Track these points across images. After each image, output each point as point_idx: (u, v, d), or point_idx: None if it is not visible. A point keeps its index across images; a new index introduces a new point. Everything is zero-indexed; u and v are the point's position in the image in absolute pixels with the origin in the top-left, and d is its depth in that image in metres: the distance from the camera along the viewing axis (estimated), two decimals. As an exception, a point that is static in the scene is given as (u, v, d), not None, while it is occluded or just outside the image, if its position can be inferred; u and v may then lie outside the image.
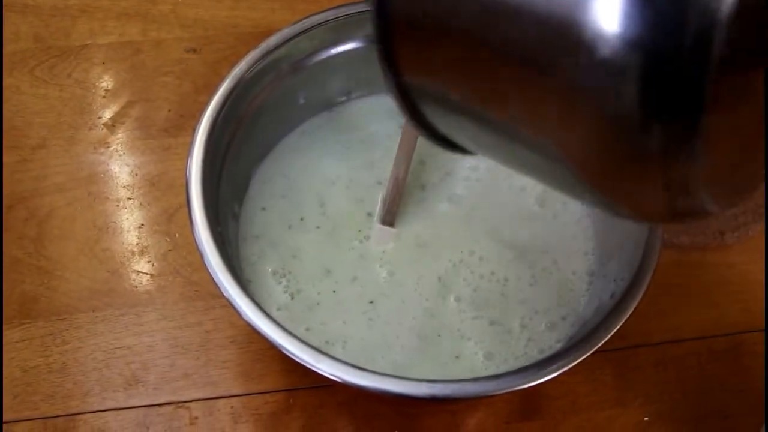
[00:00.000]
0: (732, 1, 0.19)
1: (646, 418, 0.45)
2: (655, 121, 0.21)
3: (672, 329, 0.47)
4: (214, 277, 0.35)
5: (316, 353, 0.34)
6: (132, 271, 0.48)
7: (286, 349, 0.34)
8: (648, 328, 0.47)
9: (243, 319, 0.35)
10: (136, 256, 0.48)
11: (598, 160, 0.23)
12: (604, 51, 0.20)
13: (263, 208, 0.44)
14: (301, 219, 0.44)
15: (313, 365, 0.33)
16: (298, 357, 0.34)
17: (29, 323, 0.46)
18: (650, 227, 0.38)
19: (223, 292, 0.35)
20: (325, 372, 0.33)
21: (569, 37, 0.21)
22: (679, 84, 0.20)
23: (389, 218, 0.43)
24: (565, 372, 0.34)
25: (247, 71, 0.40)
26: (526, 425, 0.44)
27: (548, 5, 0.21)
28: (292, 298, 0.42)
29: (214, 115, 0.39)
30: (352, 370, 0.33)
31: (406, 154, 0.42)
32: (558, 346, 0.40)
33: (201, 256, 0.36)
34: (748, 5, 0.19)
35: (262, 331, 0.34)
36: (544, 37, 0.22)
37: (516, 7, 0.22)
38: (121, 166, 0.51)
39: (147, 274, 0.48)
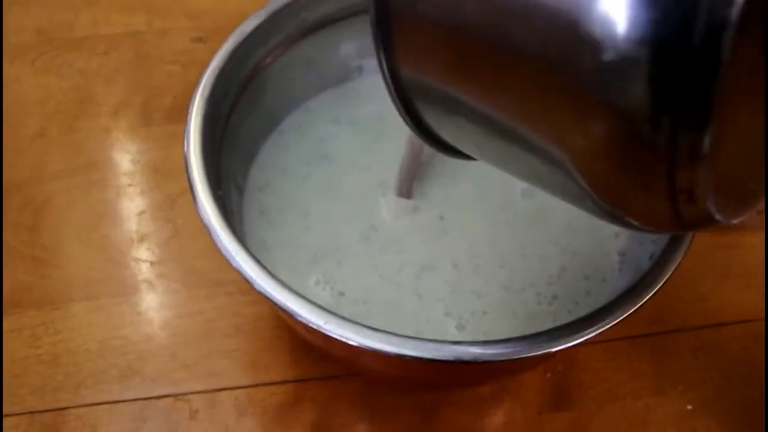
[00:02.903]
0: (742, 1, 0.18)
1: (689, 407, 0.41)
2: (662, 120, 0.20)
3: (712, 313, 0.44)
4: (213, 235, 0.32)
5: (324, 313, 0.30)
6: (131, 259, 0.45)
7: (292, 309, 0.30)
8: (686, 312, 0.44)
9: (248, 281, 0.31)
10: (136, 243, 0.45)
11: (602, 164, 0.22)
12: (611, 48, 0.19)
13: (269, 183, 0.41)
14: (311, 192, 0.41)
15: (320, 327, 0.30)
16: (300, 315, 0.30)
17: (19, 313, 0.43)
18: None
19: (220, 247, 0.32)
20: (333, 333, 0.30)
21: (575, 36, 0.20)
22: (687, 82, 0.19)
23: (405, 190, 0.41)
24: (606, 331, 0.30)
25: (252, 30, 0.38)
26: (559, 415, 0.40)
27: (555, 4, 0.20)
28: (293, 275, 0.38)
29: (217, 71, 0.37)
30: (364, 331, 0.30)
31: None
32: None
33: (201, 218, 0.33)
34: (756, 6, 0.18)
35: (269, 295, 0.31)
36: (550, 35, 0.21)
37: (523, 6, 0.21)
38: (122, 154, 0.49)
39: (147, 261, 0.45)
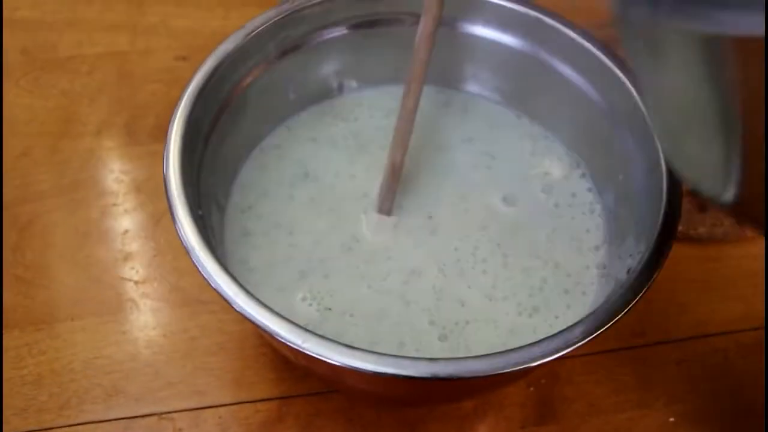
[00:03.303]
0: None
1: (671, 419, 0.41)
2: None
3: (695, 325, 0.44)
4: (193, 256, 0.32)
5: (303, 332, 0.30)
6: (115, 278, 0.45)
7: (264, 323, 0.31)
8: (669, 324, 0.44)
9: (227, 302, 0.32)
10: (120, 263, 0.46)
11: None
12: None
13: (251, 206, 0.41)
14: (295, 212, 0.41)
15: (299, 346, 0.30)
16: (279, 334, 0.30)
17: (3, 333, 0.43)
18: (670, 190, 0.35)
19: (199, 268, 0.32)
20: (311, 352, 0.30)
21: None
22: None
23: (386, 206, 0.41)
24: (587, 343, 0.30)
25: (232, 50, 0.38)
26: (542, 429, 0.41)
27: None
28: (279, 294, 0.38)
29: (196, 92, 0.37)
30: (341, 349, 0.30)
31: (402, 139, 0.40)
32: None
33: (180, 239, 0.33)
34: None
35: (249, 315, 0.31)
36: None
37: None
38: (106, 173, 0.49)
39: (130, 280, 0.45)
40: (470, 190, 0.42)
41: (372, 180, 0.42)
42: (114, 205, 0.48)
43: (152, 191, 0.48)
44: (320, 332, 0.36)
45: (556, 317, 0.38)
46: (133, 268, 0.45)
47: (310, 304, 0.38)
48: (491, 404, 0.41)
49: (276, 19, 0.40)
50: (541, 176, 0.43)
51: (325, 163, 0.43)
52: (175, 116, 0.36)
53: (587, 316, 0.31)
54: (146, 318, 0.44)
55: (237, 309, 0.31)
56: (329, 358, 0.30)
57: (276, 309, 0.37)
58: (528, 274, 0.40)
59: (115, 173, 0.49)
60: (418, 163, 0.43)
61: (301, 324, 0.37)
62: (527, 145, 0.44)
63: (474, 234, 0.41)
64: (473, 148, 0.44)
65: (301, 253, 0.40)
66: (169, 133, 0.36)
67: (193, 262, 0.32)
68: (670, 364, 0.43)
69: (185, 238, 0.33)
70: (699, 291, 0.45)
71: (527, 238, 0.41)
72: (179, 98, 0.37)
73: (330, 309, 0.38)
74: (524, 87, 0.44)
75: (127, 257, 0.46)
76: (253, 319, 0.31)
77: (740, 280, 0.45)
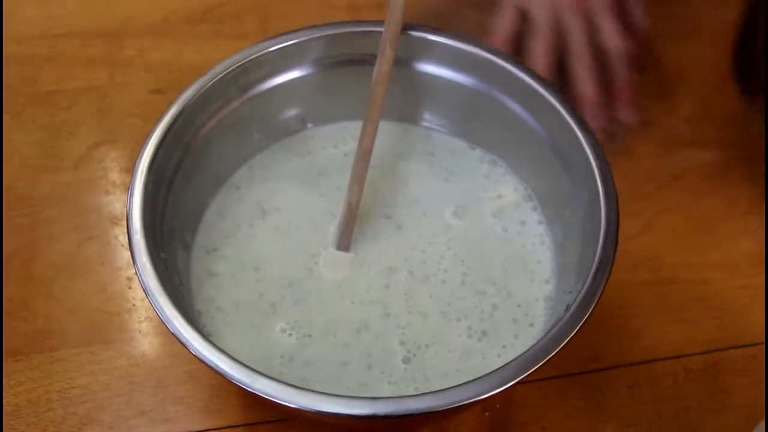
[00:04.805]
0: None
1: (620, 443, 0.43)
2: None
3: (646, 349, 0.46)
4: (152, 301, 0.34)
5: (251, 373, 0.32)
6: (90, 310, 0.47)
7: (217, 366, 0.33)
8: (621, 349, 0.46)
9: (184, 345, 0.34)
10: (95, 295, 0.47)
11: None
12: None
13: (216, 248, 0.43)
14: (258, 251, 0.43)
15: (248, 386, 0.32)
16: (231, 376, 0.32)
17: (-17, 365, 0.45)
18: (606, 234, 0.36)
19: (158, 313, 0.34)
20: (260, 392, 0.32)
21: None
22: None
23: (344, 243, 0.43)
24: (525, 378, 0.32)
25: (193, 96, 0.40)
26: (495, 454, 0.42)
27: None
28: (253, 330, 0.40)
29: (159, 140, 0.39)
30: (286, 390, 0.32)
31: (358, 179, 0.42)
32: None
33: (141, 284, 0.35)
34: None
35: (203, 357, 0.33)
36: None
37: None
38: (82, 207, 0.51)
39: (105, 312, 0.47)
40: (425, 197, 0.45)
41: (337, 200, 0.44)
42: (90, 238, 0.50)
43: (127, 224, 0.50)
44: (299, 360, 0.39)
45: (504, 347, 0.40)
46: (108, 299, 0.47)
47: (290, 334, 0.40)
48: (446, 430, 0.43)
49: (237, 64, 0.42)
50: (493, 199, 0.45)
51: (285, 194, 0.44)
52: (138, 166, 0.38)
53: (511, 361, 0.33)
54: (120, 348, 0.46)
55: (193, 352, 0.33)
56: (276, 398, 0.32)
57: (254, 345, 0.39)
58: (481, 297, 0.42)
59: (92, 207, 0.51)
60: (381, 169, 0.46)
61: (279, 355, 0.39)
62: (484, 167, 0.46)
63: (440, 244, 0.43)
64: (434, 160, 0.47)
65: (270, 286, 0.42)
66: (131, 183, 0.37)
67: (152, 305, 0.34)
68: (622, 388, 0.44)
69: (146, 285, 0.35)
70: (651, 316, 0.47)
71: (486, 262, 0.43)
72: (141, 147, 0.38)
73: (310, 336, 0.40)
74: (478, 122, 0.46)
75: (101, 289, 0.48)
76: (206, 361, 0.33)
77: (690, 305, 0.47)
